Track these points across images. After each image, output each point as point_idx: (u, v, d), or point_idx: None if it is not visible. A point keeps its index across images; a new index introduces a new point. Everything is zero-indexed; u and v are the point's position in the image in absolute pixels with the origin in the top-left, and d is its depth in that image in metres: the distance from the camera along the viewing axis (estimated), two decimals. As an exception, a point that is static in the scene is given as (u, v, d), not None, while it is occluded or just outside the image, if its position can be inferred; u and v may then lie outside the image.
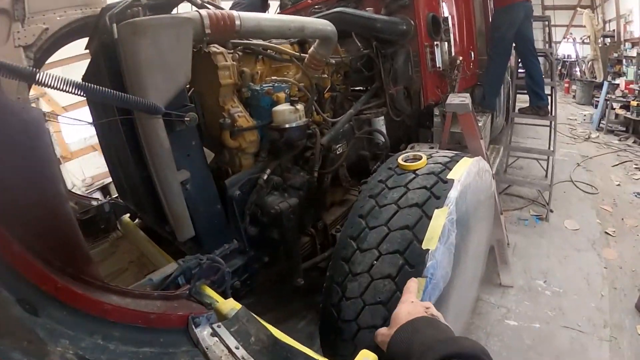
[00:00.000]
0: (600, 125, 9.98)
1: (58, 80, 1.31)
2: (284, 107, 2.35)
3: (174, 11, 2.33)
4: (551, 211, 5.36)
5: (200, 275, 1.79)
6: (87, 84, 1.42)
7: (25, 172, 1.17)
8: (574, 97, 14.69)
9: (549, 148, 5.94)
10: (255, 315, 1.53)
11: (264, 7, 5.10)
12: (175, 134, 1.91)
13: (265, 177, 2.35)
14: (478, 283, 3.02)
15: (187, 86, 2.55)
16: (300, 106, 2.40)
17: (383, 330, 1.32)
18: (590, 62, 15.35)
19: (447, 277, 1.71)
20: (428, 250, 1.65)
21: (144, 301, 1.46)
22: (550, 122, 5.79)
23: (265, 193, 2.35)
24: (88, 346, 1.15)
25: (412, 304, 1.34)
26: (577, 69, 17.87)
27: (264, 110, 2.44)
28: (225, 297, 1.73)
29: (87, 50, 2.54)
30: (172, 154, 1.88)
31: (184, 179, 2.00)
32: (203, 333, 1.41)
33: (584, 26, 15.74)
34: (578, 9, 18.64)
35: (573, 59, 18.65)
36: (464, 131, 3.25)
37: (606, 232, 4.88)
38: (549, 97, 5.54)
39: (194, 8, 2.35)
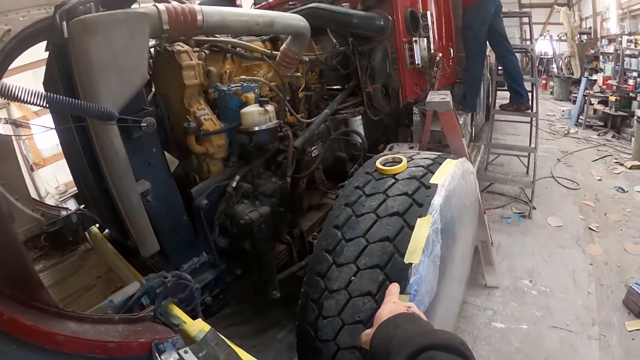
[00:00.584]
0: (579, 120, 10.13)
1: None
2: (252, 109, 2.20)
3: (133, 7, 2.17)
4: (534, 208, 5.34)
5: (165, 294, 1.66)
6: (33, 90, 1.28)
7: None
8: (551, 93, 14.99)
9: (530, 144, 5.94)
10: (225, 338, 1.43)
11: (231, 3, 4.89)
12: (133, 141, 1.77)
13: (234, 184, 2.21)
14: (464, 286, 2.94)
15: (152, 89, 2.41)
16: (270, 107, 2.26)
17: (367, 330, 1.29)
18: (567, 59, 15.54)
19: (432, 292, 1.57)
20: (411, 264, 1.53)
21: (104, 326, 1.37)
22: (532, 119, 5.80)
23: (235, 201, 2.22)
24: (38, 383, 1.09)
25: (394, 303, 1.33)
26: (554, 65, 18.24)
27: (232, 112, 2.29)
28: (195, 316, 1.62)
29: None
30: (130, 163, 1.72)
31: (145, 189, 1.85)
32: (168, 360, 1.29)
33: (561, 24, 16.00)
34: (555, 6, 18.98)
35: (550, 56, 19.01)
36: (445, 130, 3.20)
37: (590, 228, 4.87)
38: (530, 94, 5.53)
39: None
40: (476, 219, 2.70)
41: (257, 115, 2.18)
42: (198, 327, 1.47)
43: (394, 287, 1.47)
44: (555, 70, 17.52)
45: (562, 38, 17.15)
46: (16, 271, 1.21)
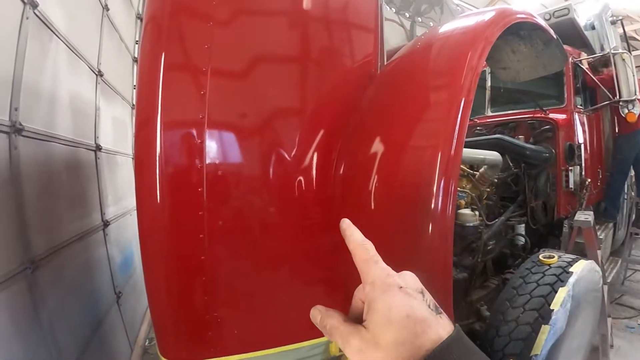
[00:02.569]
0: None
1: None
2: (467, 211, 3.33)
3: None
4: (658, 321, 6.08)
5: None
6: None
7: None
8: None
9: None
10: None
11: None
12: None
13: None
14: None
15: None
16: (477, 212, 3.35)
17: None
18: None
19: (562, 330, 2.88)
20: (553, 309, 2.83)
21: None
22: (671, 237, 6.60)
23: None
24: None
25: (406, 295, 0.67)
26: None
27: (449, 211, 3.72)
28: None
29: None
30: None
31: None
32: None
33: None
34: None
35: None
36: (585, 242, 4.11)
37: None
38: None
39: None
40: (597, 305, 3.78)
41: (470, 216, 3.28)
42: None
43: (371, 247, 0.78)
44: None
45: None
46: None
